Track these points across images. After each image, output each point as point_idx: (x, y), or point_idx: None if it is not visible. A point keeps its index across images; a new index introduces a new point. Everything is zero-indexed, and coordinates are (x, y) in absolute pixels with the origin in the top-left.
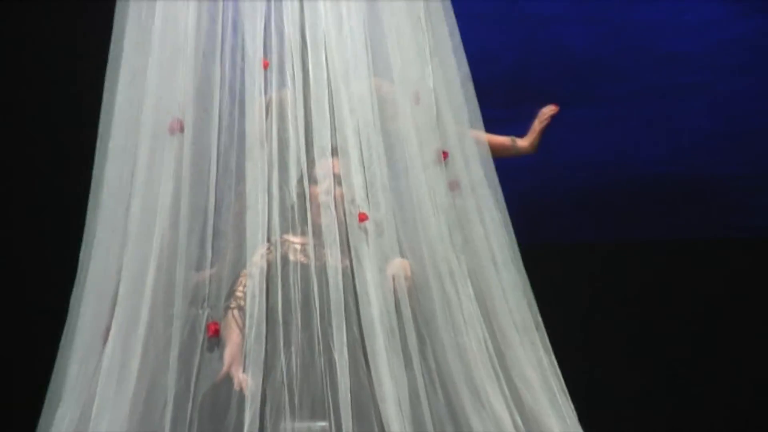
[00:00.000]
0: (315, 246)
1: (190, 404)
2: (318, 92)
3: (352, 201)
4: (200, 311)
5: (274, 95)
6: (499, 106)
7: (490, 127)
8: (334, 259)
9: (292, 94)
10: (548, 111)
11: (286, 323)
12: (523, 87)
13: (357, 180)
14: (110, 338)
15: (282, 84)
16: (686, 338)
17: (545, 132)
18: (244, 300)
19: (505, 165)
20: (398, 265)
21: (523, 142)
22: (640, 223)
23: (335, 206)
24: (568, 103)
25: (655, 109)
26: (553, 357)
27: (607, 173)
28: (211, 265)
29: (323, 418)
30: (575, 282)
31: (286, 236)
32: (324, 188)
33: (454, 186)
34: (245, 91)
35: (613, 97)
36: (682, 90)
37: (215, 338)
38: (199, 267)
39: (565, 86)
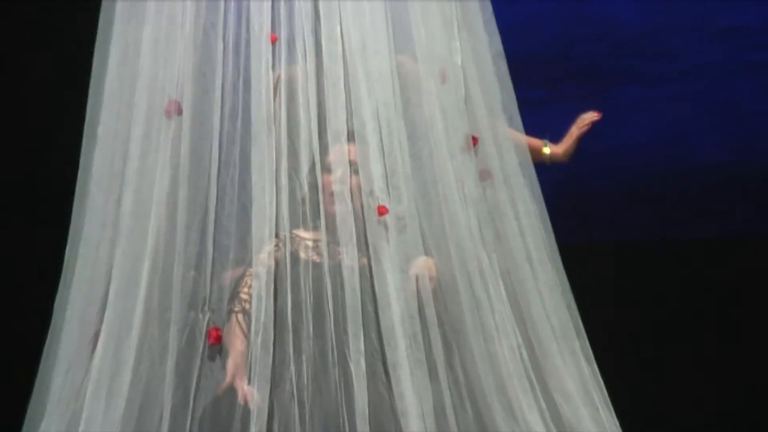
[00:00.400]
0: (329, 243)
1: (188, 420)
2: (332, 70)
3: (371, 192)
4: (200, 315)
5: (282, 72)
6: (536, 86)
7: (525, 109)
8: (350, 257)
9: (304, 72)
10: (589, 117)
11: (296, 329)
12: (563, 64)
13: (376, 169)
14: (99, 346)
15: (292, 61)
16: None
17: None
18: (250, 303)
19: None
20: (422, 264)
21: (557, 149)
22: (696, 220)
23: (351, 198)
24: (614, 82)
25: (712, 89)
26: (595, 367)
27: (657, 162)
28: (213, 263)
29: None
30: (629, 282)
31: (296, 232)
32: (338, 177)
33: (485, 175)
34: (250, 70)
35: (665, 75)
36: (744, 68)
37: (217, 345)
38: (198, 265)
39: (611, 63)
